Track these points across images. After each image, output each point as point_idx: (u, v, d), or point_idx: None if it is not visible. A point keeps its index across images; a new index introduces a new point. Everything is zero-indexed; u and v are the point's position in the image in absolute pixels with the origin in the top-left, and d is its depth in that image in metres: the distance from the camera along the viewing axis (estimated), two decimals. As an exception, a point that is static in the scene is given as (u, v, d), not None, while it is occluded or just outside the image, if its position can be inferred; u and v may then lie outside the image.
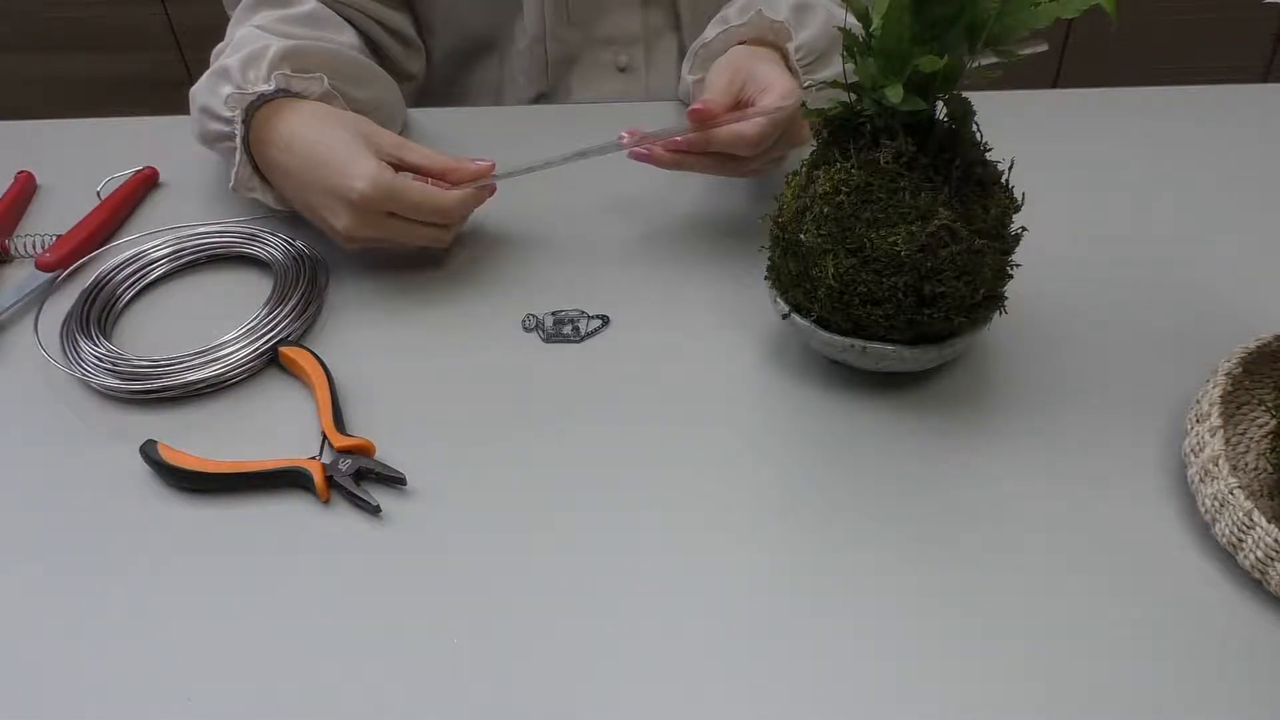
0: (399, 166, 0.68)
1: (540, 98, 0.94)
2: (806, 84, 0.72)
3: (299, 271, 0.70)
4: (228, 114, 0.71)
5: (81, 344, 0.66)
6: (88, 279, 0.71)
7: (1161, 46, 1.80)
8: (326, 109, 0.71)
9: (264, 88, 0.70)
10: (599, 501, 0.57)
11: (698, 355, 0.65)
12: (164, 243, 0.74)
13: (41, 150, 0.87)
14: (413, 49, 0.92)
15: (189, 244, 0.74)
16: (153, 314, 0.71)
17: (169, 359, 0.64)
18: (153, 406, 0.63)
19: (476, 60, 0.95)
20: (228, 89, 0.70)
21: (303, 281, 0.69)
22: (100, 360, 0.64)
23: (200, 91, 0.74)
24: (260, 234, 0.74)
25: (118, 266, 0.72)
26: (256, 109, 0.70)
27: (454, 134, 0.87)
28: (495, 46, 0.93)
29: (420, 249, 0.72)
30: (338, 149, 0.67)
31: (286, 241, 0.73)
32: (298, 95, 0.72)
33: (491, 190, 0.71)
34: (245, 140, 0.70)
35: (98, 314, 0.68)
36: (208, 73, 0.74)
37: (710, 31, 0.78)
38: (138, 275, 0.72)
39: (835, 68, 0.75)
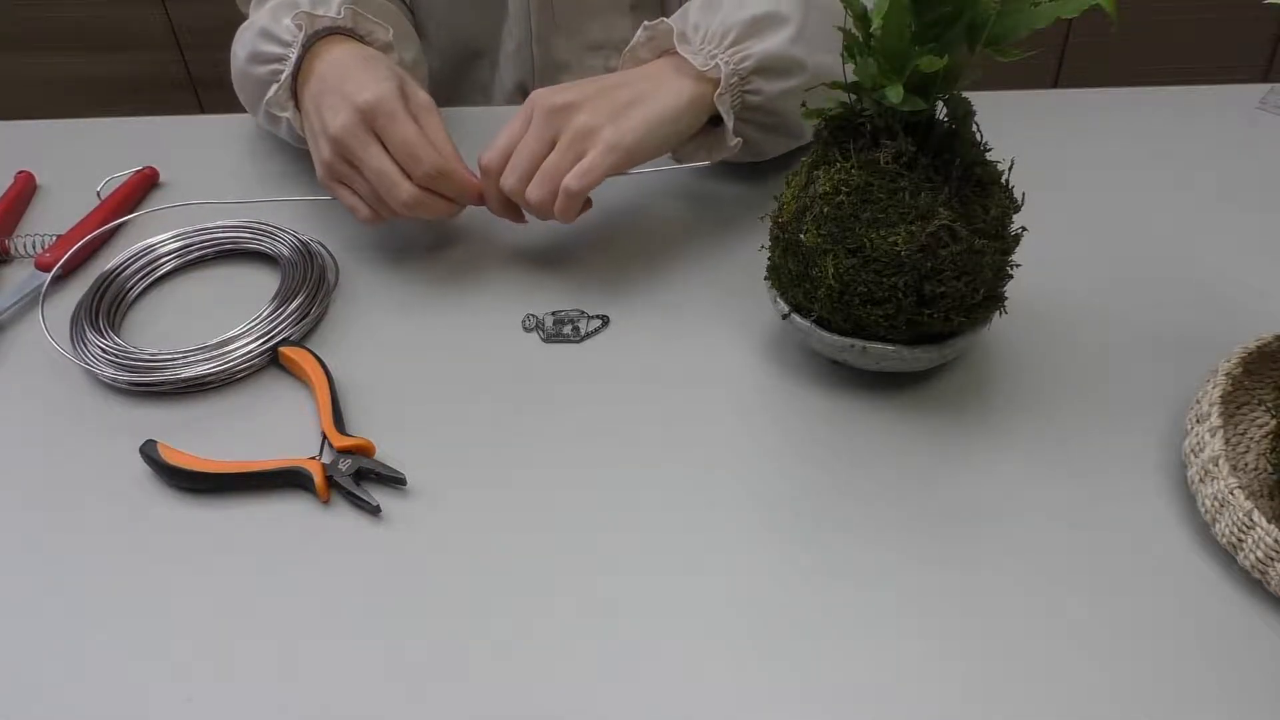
0: None
1: None
2: (742, 59, 0.68)
3: (307, 269, 0.70)
4: (288, 36, 0.72)
5: (89, 336, 0.66)
6: (95, 274, 0.71)
7: (1161, 46, 1.80)
8: (380, 55, 0.71)
9: (335, 15, 0.72)
10: (599, 501, 0.57)
11: (698, 355, 0.65)
12: (174, 237, 0.74)
13: (41, 150, 0.87)
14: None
15: (199, 238, 0.74)
16: (161, 308, 0.71)
17: (172, 353, 0.64)
18: (154, 403, 0.63)
19: (467, 64, 0.95)
20: (293, 14, 0.72)
21: (310, 279, 0.70)
22: (105, 352, 0.65)
23: (262, 17, 0.75)
24: (271, 230, 0.74)
25: (128, 260, 0.72)
26: (320, 37, 0.71)
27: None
28: (485, 50, 0.93)
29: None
30: (370, 72, 0.67)
31: (296, 238, 0.73)
32: (360, 37, 0.73)
33: (459, 208, 0.70)
34: (299, 60, 0.71)
35: (107, 307, 0.69)
36: (270, 5, 0.76)
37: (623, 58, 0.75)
38: (148, 269, 0.72)
39: (767, 42, 0.69)
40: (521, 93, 0.93)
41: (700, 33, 0.69)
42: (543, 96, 0.67)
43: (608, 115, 0.66)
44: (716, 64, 0.68)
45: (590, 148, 0.65)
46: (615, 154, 0.65)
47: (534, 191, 0.65)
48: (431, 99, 0.69)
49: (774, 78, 0.69)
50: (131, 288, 0.71)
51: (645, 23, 0.71)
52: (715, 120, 0.71)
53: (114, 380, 0.64)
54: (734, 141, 0.70)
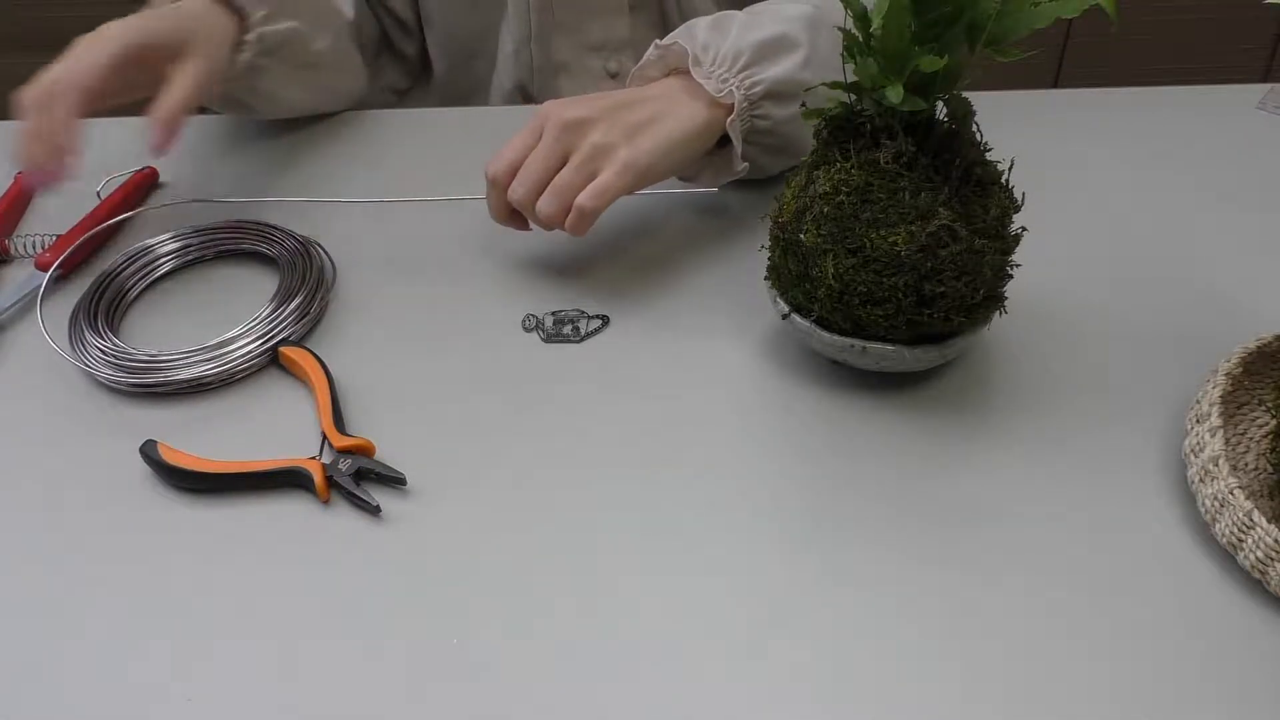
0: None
1: (530, 102, 0.94)
2: (753, 84, 0.68)
3: (306, 269, 0.70)
4: None
5: (88, 336, 0.66)
6: (94, 274, 0.71)
7: (1161, 46, 1.80)
8: (190, 11, 0.71)
9: None
10: (599, 501, 0.57)
11: (698, 355, 0.65)
12: (173, 237, 0.74)
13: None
14: (408, 32, 0.94)
15: (198, 239, 0.74)
16: (160, 309, 0.71)
17: (171, 355, 0.64)
18: (154, 403, 0.63)
19: (465, 62, 0.95)
20: None
21: (309, 279, 0.70)
22: (104, 353, 0.65)
23: None
24: (270, 231, 0.74)
25: (127, 260, 0.72)
26: None
27: (445, 133, 0.87)
28: (482, 49, 0.93)
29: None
30: (143, 14, 0.68)
31: (295, 238, 0.73)
32: (238, 9, 0.74)
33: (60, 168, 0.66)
34: None
35: (106, 307, 0.69)
36: None
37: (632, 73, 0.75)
38: (146, 270, 0.72)
39: (777, 67, 0.68)
40: (521, 92, 0.93)
41: (710, 53, 0.68)
42: (555, 110, 0.66)
43: (622, 134, 0.65)
44: (730, 90, 0.67)
45: (604, 167, 0.65)
46: (630, 175, 0.65)
47: (544, 207, 0.65)
48: (199, 64, 0.68)
49: (783, 103, 0.69)
50: (130, 288, 0.71)
51: (656, 42, 0.70)
52: (720, 141, 0.70)
53: (113, 381, 0.64)
54: (741, 166, 0.70)
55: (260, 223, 0.75)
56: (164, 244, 0.74)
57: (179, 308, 0.71)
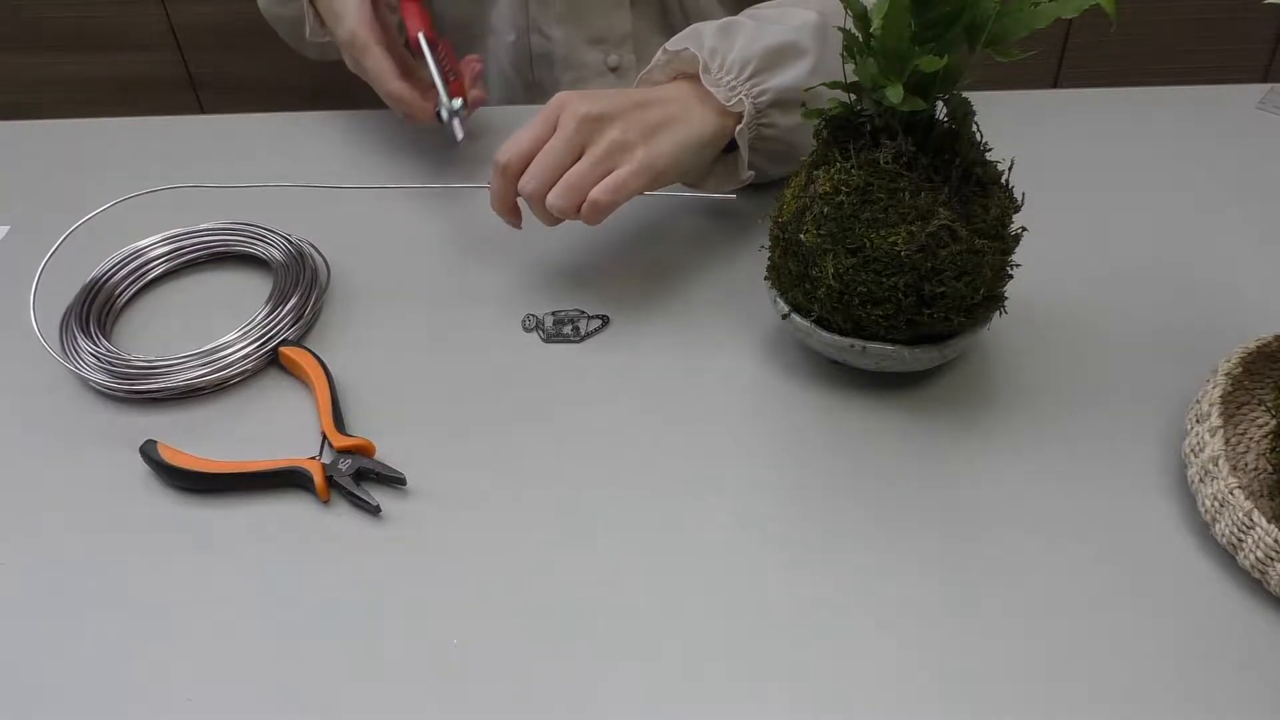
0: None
1: (529, 93, 0.93)
2: (760, 93, 0.67)
3: (299, 271, 0.70)
4: None
5: (80, 342, 0.65)
6: (86, 276, 0.71)
7: (1161, 46, 1.80)
8: None
9: None
10: (599, 501, 0.57)
11: (698, 355, 0.65)
12: (164, 240, 0.74)
13: (40, 151, 0.87)
14: None
15: (189, 241, 0.74)
16: (152, 313, 0.71)
17: (167, 360, 0.64)
18: (152, 406, 0.63)
19: (465, 52, 0.95)
20: None
21: (303, 281, 0.69)
22: (99, 359, 0.64)
23: None
24: (261, 233, 0.74)
25: (117, 264, 0.71)
26: None
27: (443, 133, 0.87)
28: (480, 38, 0.93)
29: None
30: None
31: (287, 240, 0.73)
32: None
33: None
34: None
35: (97, 312, 0.68)
36: None
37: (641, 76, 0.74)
38: (137, 274, 0.72)
39: (785, 76, 0.68)
40: (521, 79, 0.93)
41: (718, 60, 0.68)
42: (572, 102, 0.65)
43: (640, 134, 0.65)
44: (740, 99, 0.67)
45: (622, 164, 0.64)
46: (648, 175, 0.64)
47: (556, 200, 0.64)
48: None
49: (790, 111, 0.68)
50: (121, 293, 0.70)
51: (665, 47, 0.70)
52: (726, 146, 0.70)
53: (107, 388, 0.63)
54: (747, 174, 0.70)
55: (253, 224, 0.74)
56: (155, 247, 0.73)
57: (172, 312, 0.71)
